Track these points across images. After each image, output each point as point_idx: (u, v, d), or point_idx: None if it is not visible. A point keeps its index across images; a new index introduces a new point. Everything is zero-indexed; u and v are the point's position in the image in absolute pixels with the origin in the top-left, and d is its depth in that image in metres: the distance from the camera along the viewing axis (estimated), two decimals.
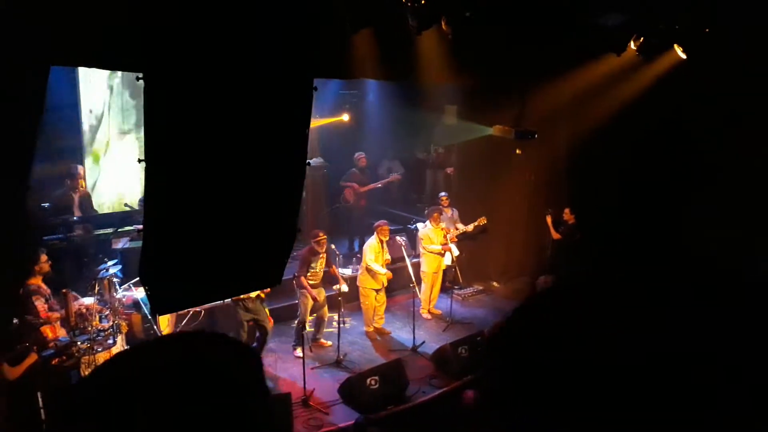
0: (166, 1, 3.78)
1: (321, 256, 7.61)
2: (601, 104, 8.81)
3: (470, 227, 9.27)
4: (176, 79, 3.93)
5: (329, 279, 7.87)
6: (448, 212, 9.45)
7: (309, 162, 5.05)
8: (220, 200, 4.40)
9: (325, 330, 8.00)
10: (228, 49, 4.09)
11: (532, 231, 10.18)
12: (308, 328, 7.76)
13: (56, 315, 6.15)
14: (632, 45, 7.82)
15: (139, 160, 4.17)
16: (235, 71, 4.20)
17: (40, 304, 6.03)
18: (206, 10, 3.92)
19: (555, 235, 9.72)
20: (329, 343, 7.88)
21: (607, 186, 9.12)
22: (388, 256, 8.29)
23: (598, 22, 7.46)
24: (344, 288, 7.78)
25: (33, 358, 5.19)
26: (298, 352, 7.41)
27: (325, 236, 7.67)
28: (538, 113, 8.86)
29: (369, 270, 8.11)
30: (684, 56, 8.01)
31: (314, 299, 7.56)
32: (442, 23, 6.10)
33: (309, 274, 7.55)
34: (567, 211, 9.63)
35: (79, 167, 8.45)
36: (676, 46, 8.00)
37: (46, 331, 6.02)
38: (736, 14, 7.19)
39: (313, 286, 7.58)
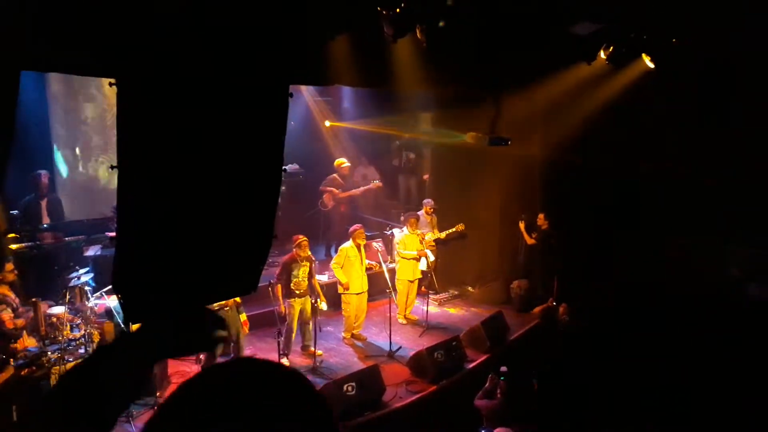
0: (140, 6, 3.76)
1: (304, 263, 7.52)
2: (573, 111, 8.98)
3: (443, 235, 9.35)
4: (150, 84, 3.90)
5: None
6: (428, 218, 9.53)
7: (285, 168, 5.04)
8: (195, 207, 4.38)
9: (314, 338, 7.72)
10: (203, 54, 4.08)
11: (507, 236, 10.31)
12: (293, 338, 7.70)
13: (21, 321, 6.00)
14: (602, 54, 8.00)
15: (112, 167, 4.12)
16: (210, 77, 4.19)
17: (5, 314, 5.89)
18: (181, 16, 3.90)
19: (529, 241, 9.85)
20: (320, 351, 7.75)
21: (580, 192, 9.30)
22: (368, 262, 8.31)
23: (570, 31, 7.61)
24: (323, 306, 7.72)
25: (9, 371, 5.05)
26: (284, 361, 7.34)
27: (306, 239, 7.62)
28: (511, 120, 8.99)
29: (344, 274, 8.11)
30: (652, 65, 8.22)
31: (289, 307, 7.50)
32: (417, 32, 6.16)
33: (292, 283, 7.48)
34: (541, 216, 9.78)
35: (42, 173, 8.25)
36: (644, 55, 8.20)
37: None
38: (705, 24, 7.40)
39: (298, 296, 7.51)
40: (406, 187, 12.26)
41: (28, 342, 5.95)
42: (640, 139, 8.93)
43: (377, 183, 10.80)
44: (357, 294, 8.20)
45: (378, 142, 12.10)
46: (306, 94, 11.14)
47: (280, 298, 7.42)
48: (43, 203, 8.15)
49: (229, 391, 0.84)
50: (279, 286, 7.44)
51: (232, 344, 7.09)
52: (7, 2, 3.72)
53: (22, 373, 5.54)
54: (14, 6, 3.75)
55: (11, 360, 5.33)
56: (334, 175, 10.36)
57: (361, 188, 10.55)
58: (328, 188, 10.26)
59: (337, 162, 10.42)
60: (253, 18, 4.30)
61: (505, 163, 9.59)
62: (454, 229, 9.36)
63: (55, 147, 9.20)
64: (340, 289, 8.20)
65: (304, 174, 11.01)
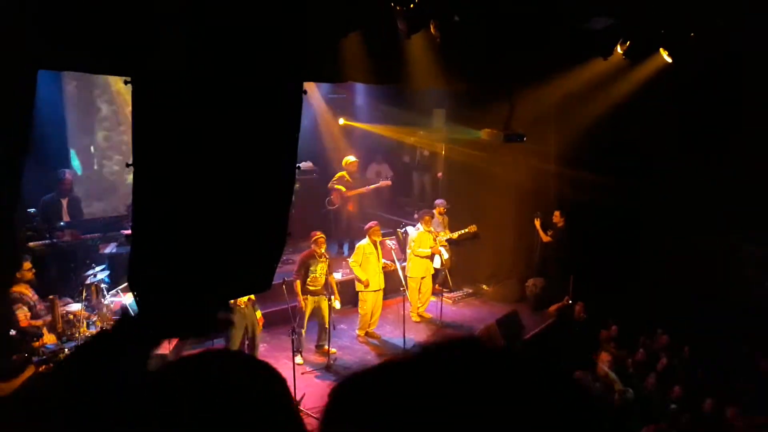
0: (155, 5, 3.76)
1: (321, 260, 7.50)
2: (589, 107, 8.88)
3: (455, 235, 9.25)
4: (165, 82, 3.91)
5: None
6: (440, 218, 9.46)
7: (299, 166, 5.03)
8: (210, 204, 4.38)
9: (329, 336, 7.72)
10: (217, 52, 4.07)
11: (522, 234, 10.23)
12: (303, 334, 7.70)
13: (39, 322, 6.05)
14: (619, 49, 7.90)
15: (127, 165, 4.13)
16: (225, 75, 4.19)
17: (21, 313, 5.94)
18: (196, 14, 3.90)
19: (544, 238, 9.77)
20: (334, 350, 7.75)
21: (596, 188, 9.19)
22: (385, 261, 8.26)
23: (585, 26, 7.52)
24: (337, 305, 7.71)
25: (31, 370, 5.06)
26: (298, 359, 7.35)
27: (323, 236, 7.60)
28: (526, 116, 8.90)
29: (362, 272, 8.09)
30: (670, 60, 8.10)
31: (305, 305, 7.50)
32: (431, 27, 6.12)
33: (309, 279, 7.48)
34: (557, 213, 9.69)
35: (67, 172, 8.36)
36: (661, 50, 8.08)
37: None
38: (722, 18, 7.28)
39: (313, 293, 7.50)
40: (420, 184, 12.20)
41: (48, 339, 5.99)
42: (655, 137, 8.81)
43: (386, 182, 10.72)
44: (374, 291, 8.17)
45: (392, 138, 12.06)
46: (319, 92, 11.13)
47: (300, 293, 7.43)
48: (64, 202, 8.22)
49: (195, 381, 0.86)
50: (298, 281, 7.45)
51: (246, 341, 7.11)
52: (24, 3, 3.74)
53: (40, 369, 5.58)
54: (31, 6, 3.77)
55: (33, 358, 5.37)
56: (342, 172, 10.24)
57: (369, 187, 10.43)
58: (336, 186, 10.17)
59: (344, 160, 10.28)
60: (266, 14, 4.28)
61: (520, 160, 9.52)
62: (466, 230, 9.23)
63: (70, 145, 9.27)
64: (359, 287, 8.18)
65: (318, 171, 10.99)
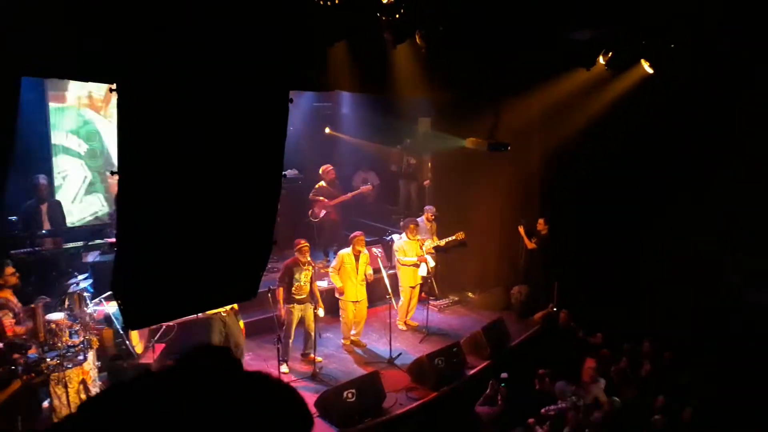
0: (141, 11, 3.76)
1: (306, 268, 7.47)
2: (572, 117, 8.99)
3: (442, 242, 9.28)
4: (151, 90, 3.90)
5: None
6: (428, 225, 9.48)
7: (284, 174, 5.04)
8: (195, 212, 4.36)
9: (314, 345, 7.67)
10: (204, 60, 4.08)
11: (507, 241, 10.30)
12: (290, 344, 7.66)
13: (21, 329, 5.96)
14: (601, 60, 8.03)
15: (112, 173, 4.12)
16: (211, 83, 4.19)
17: (6, 319, 5.85)
18: (182, 22, 3.91)
19: (529, 245, 9.84)
20: (320, 358, 7.71)
21: (579, 197, 9.29)
22: (370, 271, 8.22)
23: (569, 37, 7.64)
24: (321, 313, 7.69)
25: (18, 383, 4.96)
26: (284, 368, 7.32)
27: (307, 244, 7.58)
28: (511, 126, 8.99)
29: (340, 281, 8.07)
30: (651, 71, 8.25)
31: (288, 313, 7.46)
32: (417, 37, 6.18)
33: (293, 287, 7.43)
34: (541, 221, 9.77)
35: (41, 177, 8.20)
36: (643, 60, 8.23)
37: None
38: (702, 30, 7.43)
39: (299, 301, 7.46)
40: (407, 193, 12.22)
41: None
42: (639, 144, 8.93)
43: (367, 187, 10.71)
44: (353, 302, 8.13)
45: (378, 146, 12.11)
46: (304, 101, 11.14)
47: (281, 301, 7.39)
48: (44, 208, 8.10)
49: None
50: (281, 289, 7.41)
51: (231, 351, 7.05)
52: (8, 8, 3.72)
53: (24, 379, 5.50)
54: (14, 12, 3.75)
55: (18, 370, 5.27)
56: (321, 182, 10.19)
57: (349, 194, 10.41)
58: (317, 197, 10.12)
59: (322, 169, 10.23)
60: (254, 23, 4.30)
61: (504, 169, 9.59)
62: (453, 237, 9.25)
63: (53, 152, 9.17)
64: (337, 294, 8.17)
65: (304, 180, 10.97)
